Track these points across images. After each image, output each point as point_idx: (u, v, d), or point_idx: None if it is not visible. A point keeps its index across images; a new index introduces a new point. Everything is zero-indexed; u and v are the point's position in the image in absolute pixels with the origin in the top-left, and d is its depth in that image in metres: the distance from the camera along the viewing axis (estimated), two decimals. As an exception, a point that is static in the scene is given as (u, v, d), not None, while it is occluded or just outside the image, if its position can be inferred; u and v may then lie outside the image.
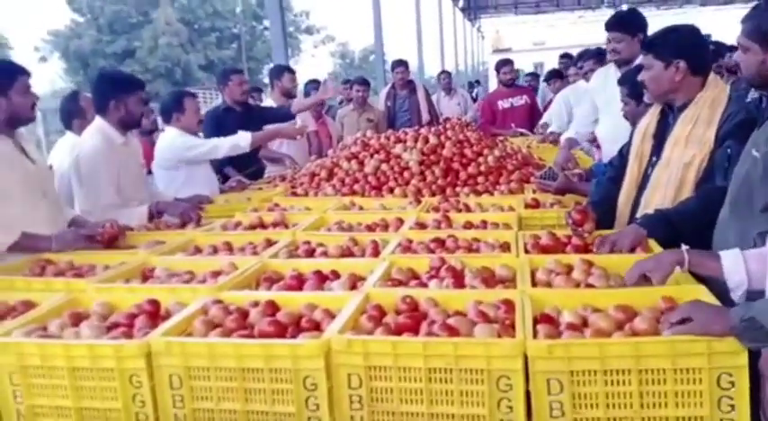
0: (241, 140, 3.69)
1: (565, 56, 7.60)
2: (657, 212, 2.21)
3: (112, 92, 3.00)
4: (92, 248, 2.49)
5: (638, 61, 2.46)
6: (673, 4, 32.35)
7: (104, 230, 2.52)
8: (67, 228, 2.68)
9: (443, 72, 8.66)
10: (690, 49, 2.30)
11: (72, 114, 3.72)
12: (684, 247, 1.80)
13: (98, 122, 3.04)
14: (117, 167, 2.98)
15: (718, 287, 1.68)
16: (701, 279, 1.76)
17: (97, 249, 2.49)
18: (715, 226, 2.01)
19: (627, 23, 3.47)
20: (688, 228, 2.11)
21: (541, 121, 5.68)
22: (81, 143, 3.04)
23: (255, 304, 1.81)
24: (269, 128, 3.95)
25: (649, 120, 2.48)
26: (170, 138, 3.70)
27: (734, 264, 1.65)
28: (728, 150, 2.13)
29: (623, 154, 2.66)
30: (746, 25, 1.85)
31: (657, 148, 2.39)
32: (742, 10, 2.13)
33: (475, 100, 9.93)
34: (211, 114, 4.52)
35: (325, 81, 5.26)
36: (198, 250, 2.52)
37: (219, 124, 4.29)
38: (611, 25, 3.53)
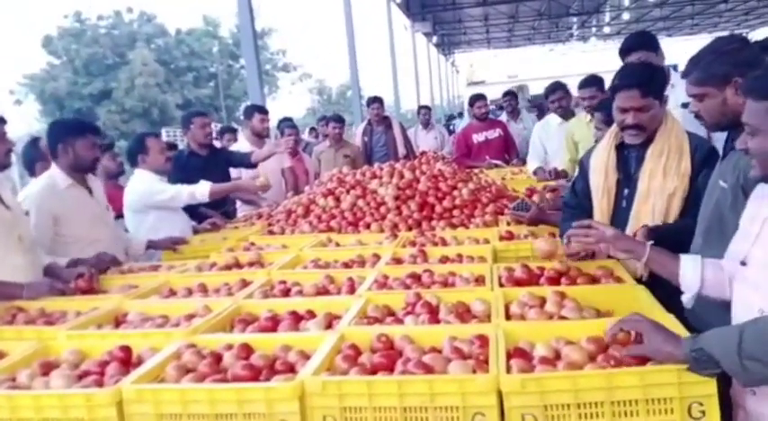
0: (198, 191, 3.67)
1: (508, 93, 7.61)
2: (660, 227, 2.26)
3: (60, 136, 3.01)
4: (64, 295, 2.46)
5: (626, 104, 2.32)
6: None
7: (76, 285, 2.51)
8: (42, 274, 2.65)
9: (423, 107, 8.77)
10: (665, 84, 2.40)
11: (34, 160, 3.75)
12: (649, 243, 1.87)
13: (51, 168, 3.06)
14: (55, 211, 2.93)
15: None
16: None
17: (69, 295, 2.47)
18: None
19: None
20: (681, 247, 2.14)
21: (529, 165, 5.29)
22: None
23: (229, 347, 1.79)
24: (227, 184, 3.85)
25: (606, 155, 2.48)
26: (136, 182, 3.70)
27: (691, 268, 1.74)
28: (708, 179, 2.19)
29: (576, 191, 2.65)
30: (694, 76, 1.91)
31: (626, 182, 2.43)
32: (708, 39, 2.20)
33: (451, 133, 10.06)
34: (176, 159, 4.46)
35: (278, 137, 5.20)
36: (172, 292, 2.50)
37: (184, 169, 4.27)
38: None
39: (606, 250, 1.94)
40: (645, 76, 2.34)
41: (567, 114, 4.85)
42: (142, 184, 3.66)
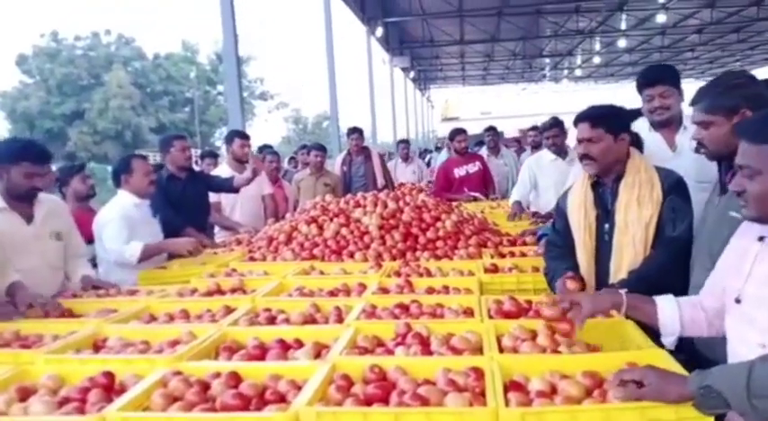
0: (127, 253, 3.39)
1: (490, 129, 7.75)
2: (632, 274, 2.34)
3: None
4: (31, 317, 2.38)
5: (578, 135, 2.47)
6: (624, 79, 34.59)
7: (47, 312, 2.44)
8: (5, 293, 2.54)
9: (403, 141, 8.88)
10: (629, 125, 2.51)
11: None
12: (623, 290, 1.89)
13: None
14: None
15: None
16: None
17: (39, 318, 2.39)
18: (679, 276, 2.13)
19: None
20: (659, 280, 2.19)
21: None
22: None
23: (217, 375, 1.74)
24: (159, 243, 3.62)
25: (582, 193, 2.54)
26: (107, 209, 3.53)
27: (670, 314, 1.78)
28: (672, 204, 2.35)
29: (558, 229, 2.68)
30: (703, 103, 2.00)
31: (605, 217, 2.49)
32: (695, 84, 2.30)
33: (429, 165, 10.15)
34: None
35: (256, 159, 5.15)
36: (153, 318, 2.43)
37: (163, 192, 4.16)
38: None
39: (589, 313, 1.88)
40: (594, 111, 2.50)
41: (560, 152, 4.90)
42: (107, 214, 3.49)
